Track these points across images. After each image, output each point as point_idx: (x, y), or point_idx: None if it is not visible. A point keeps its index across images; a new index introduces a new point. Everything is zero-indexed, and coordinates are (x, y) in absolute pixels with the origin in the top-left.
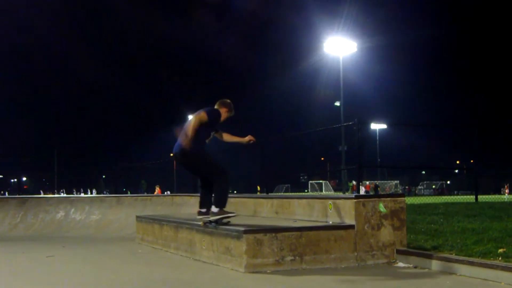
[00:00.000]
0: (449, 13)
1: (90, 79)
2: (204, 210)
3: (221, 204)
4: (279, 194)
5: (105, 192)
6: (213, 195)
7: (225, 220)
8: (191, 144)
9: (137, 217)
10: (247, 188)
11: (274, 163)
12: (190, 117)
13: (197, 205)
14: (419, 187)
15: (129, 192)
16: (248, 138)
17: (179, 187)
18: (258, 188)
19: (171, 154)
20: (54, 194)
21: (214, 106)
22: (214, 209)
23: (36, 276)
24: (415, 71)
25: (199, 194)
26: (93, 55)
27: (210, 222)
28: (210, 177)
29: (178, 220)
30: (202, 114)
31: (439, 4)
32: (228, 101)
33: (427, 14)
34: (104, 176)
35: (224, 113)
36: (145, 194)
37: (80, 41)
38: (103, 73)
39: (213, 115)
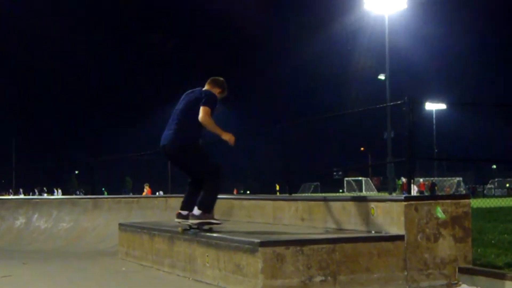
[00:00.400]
0: None
1: (60, 47)
2: (185, 213)
3: (206, 207)
4: (306, 195)
5: (78, 192)
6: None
7: (206, 227)
8: (185, 134)
9: (120, 225)
10: (263, 188)
11: (298, 155)
12: (181, 101)
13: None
14: (489, 186)
15: (105, 193)
16: (229, 136)
17: (174, 187)
18: (277, 187)
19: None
20: (10, 194)
21: (204, 86)
22: (196, 211)
23: None
24: (484, 35)
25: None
26: (64, 14)
27: (190, 227)
28: (201, 176)
29: (174, 229)
30: (208, 110)
31: None
32: (221, 79)
33: None
34: (77, 172)
35: (217, 94)
36: (131, 195)
37: None
38: (77, 39)
39: (214, 106)
